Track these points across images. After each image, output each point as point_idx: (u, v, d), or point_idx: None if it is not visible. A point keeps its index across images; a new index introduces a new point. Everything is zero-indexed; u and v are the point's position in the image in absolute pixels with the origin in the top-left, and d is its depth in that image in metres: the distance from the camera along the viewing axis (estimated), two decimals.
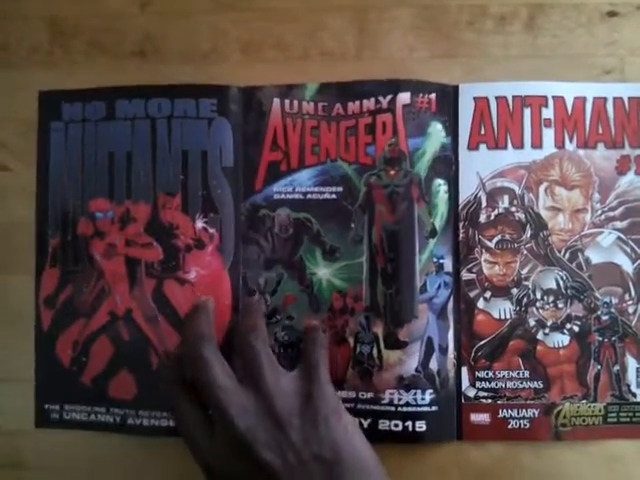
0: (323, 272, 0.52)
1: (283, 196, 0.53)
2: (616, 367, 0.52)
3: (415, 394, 0.50)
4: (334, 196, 0.52)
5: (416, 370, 0.51)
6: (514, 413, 0.51)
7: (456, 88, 0.53)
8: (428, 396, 0.51)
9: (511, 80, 0.53)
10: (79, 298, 0.53)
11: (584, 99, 0.53)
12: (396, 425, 0.51)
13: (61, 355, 0.53)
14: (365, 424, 0.51)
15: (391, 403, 0.50)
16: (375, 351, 0.51)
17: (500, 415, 0.51)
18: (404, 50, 0.55)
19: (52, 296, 0.53)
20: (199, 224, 0.52)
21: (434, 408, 0.51)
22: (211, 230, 0.52)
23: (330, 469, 0.41)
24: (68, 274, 0.53)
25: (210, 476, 0.44)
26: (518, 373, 0.52)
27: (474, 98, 0.53)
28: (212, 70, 0.55)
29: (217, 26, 0.55)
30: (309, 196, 0.52)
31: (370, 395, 0.51)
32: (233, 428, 0.42)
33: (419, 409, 0.50)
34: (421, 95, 0.52)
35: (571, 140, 0.53)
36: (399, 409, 0.50)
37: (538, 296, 0.52)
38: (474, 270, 0.52)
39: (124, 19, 0.56)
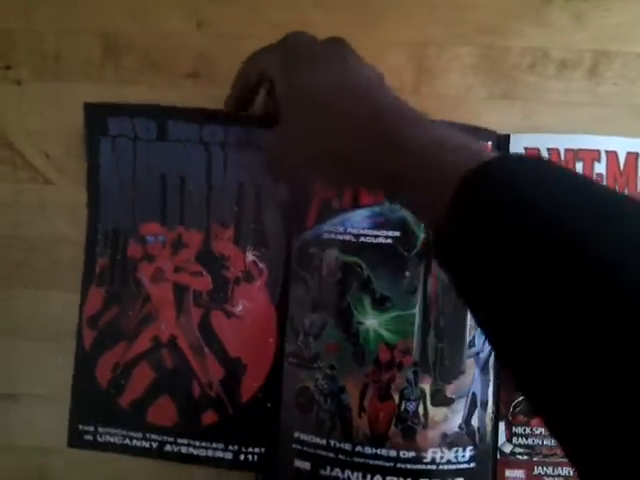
0: (371, 322, 0.50)
1: (333, 236, 0.50)
2: None
3: (457, 451, 0.50)
4: (389, 241, 0.50)
5: (459, 427, 0.50)
6: (549, 471, 0.51)
7: (507, 137, 0.52)
8: (468, 453, 0.50)
9: (567, 129, 0.52)
10: (123, 320, 0.53)
11: (637, 155, 0.52)
12: None
13: (100, 376, 0.53)
14: None
15: (433, 462, 0.49)
16: (421, 408, 0.50)
17: (535, 472, 0.51)
18: (462, 89, 0.54)
19: (96, 316, 0.53)
20: (249, 257, 0.52)
21: (472, 465, 0.50)
22: (261, 265, 0.52)
23: None
24: (114, 295, 0.53)
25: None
26: None
27: (525, 148, 0.52)
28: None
29: None
30: (362, 239, 0.50)
31: (412, 454, 0.49)
32: None
33: (459, 466, 0.50)
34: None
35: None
36: (440, 467, 0.49)
37: None
38: None
39: (179, 38, 0.55)
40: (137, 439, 0.53)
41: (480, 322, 0.31)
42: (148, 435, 0.52)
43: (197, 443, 0.52)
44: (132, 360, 0.53)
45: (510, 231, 0.27)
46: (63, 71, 0.56)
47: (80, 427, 0.53)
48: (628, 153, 0.51)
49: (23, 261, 0.55)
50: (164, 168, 0.53)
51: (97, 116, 0.54)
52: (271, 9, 0.55)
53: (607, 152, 0.51)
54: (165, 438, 0.52)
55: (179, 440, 0.52)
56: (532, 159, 0.30)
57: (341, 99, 0.38)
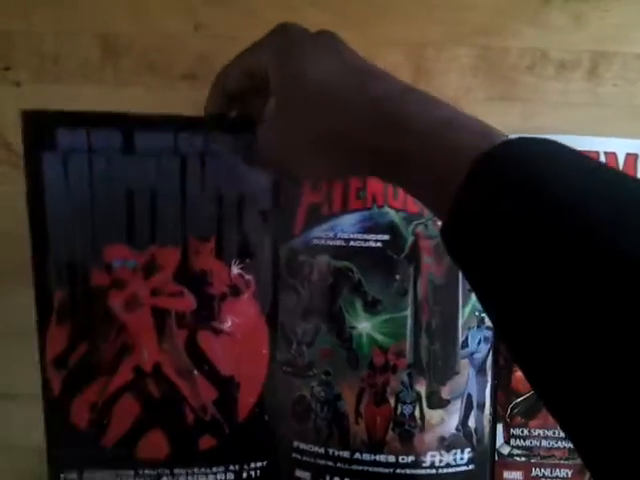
0: (363, 325, 0.50)
1: (323, 242, 0.51)
2: None
3: (455, 454, 0.50)
4: (379, 244, 0.50)
5: (456, 429, 0.50)
6: (547, 472, 0.51)
7: None
8: (467, 455, 0.50)
9: (566, 130, 0.52)
10: (96, 356, 0.49)
11: (636, 156, 0.51)
12: None
13: (77, 420, 0.50)
14: None
15: (432, 466, 0.50)
16: (417, 411, 0.50)
17: (533, 473, 0.51)
18: (460, 90, 0.54)
19: (62, 356, 0.49)
20: (235, 270, 0.50)
21: (471, 467, 0.50)
22: (247, 276, 0.50)
23: None
24: (81, 330, 0.49)
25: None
26: (554, 432, 0.51)
27: None
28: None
29: None
30: (352, 243, 0.50)
31: (411, 459, 0.50)
32: None
33: (458, 469, 0.50)
34: None
35: None
36: (439, 471, 0.50)
37: None
38: None
39: (177, 40, 0.55)
40: (128, 477, 0.50)
41: (494, 314, 0.30)
42: (140, 471, 0.50)
43: (196, 470, 0.50)
44: (112, 395, 0.50)
45: (527, 217, 0.26)
46: (62, 73, 0.56)
47: (62, 476, 0.50)
48: (627, 154, 0.51)
49: (27, 260, 0.54)
50: (131, 183, 0.49)
51: (41, 127, 0.49)
52: (267, 10, 0.55)
53: (606, 153, 0.51)
54: (160, 471, 0.50)
55: (176, 470, 0.50)
56: (547, 141, 0.29)
57: (339, 84, 0.37)
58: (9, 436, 0.54)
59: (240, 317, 0.50)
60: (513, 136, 0.29)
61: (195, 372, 0.49)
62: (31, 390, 0.52)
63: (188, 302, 0.49)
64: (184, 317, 0.49)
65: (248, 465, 0.51)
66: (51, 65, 0.56)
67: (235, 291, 0.50)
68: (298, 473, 0.51)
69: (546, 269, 0.25)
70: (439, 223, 0.49)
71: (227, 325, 0.49)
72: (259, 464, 0.51)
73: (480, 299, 0.30)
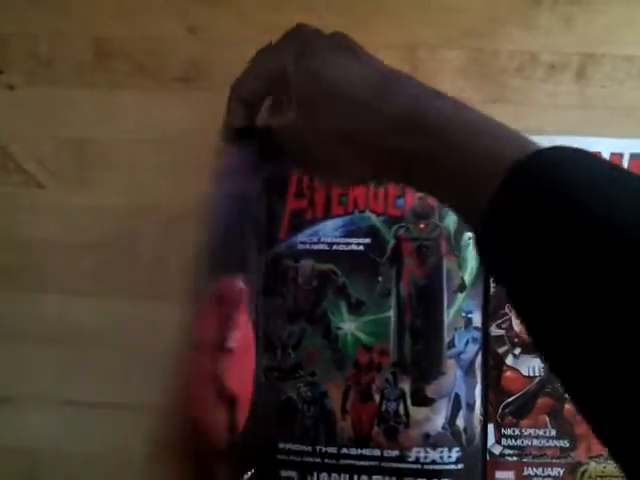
0: (348, 326, 0.51)
1: (308, 246, 0.52)
2: None
3: (442, 452, 0.50)
4: (361, 247, 0.51)
5: (443, 427, 0.50)
6: (539, 471, 0.51)
7: None
8: (455, 454, 0.50)
9: (555, 131, 0.53)
10: None
11: (621, 156, 0.52)
12: None
13: None
14: None
15: (417, 461, 0.50)
16: (402, 408, 0.51)
17: (525, 473, 0.51)
18: (452, 92, 0.53)
19: None
20: (240, 285, 0.48)
21: (460, 466, 0.50)
22: (243, 288, 0.48)
23: None
24: None
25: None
26: (545, 431, 0.51)
27: None
28: None
29: None
30: (334, 247, 0.51)
31: (395, 453, 0.50)
32: None
33: (445, 467, 0.50)
34: None
35: None
36: (425, 467, 0.50)
37: None
38: (504, 326, 0.52)
39: (170, 43, 0.55)
40: None
41: (533, 324, 0.29)
42: None
43: None
44: None
45: (563, 228, 0.26)
46: (55, 76, 0.56)
47: None
48: (612, 154, 0.52)
49: (15, 264, 0.55)
50: None
51: None
52: (260, 13, 0.55)
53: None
54: None
55: None
56: (579, 151, 0.29)
57: (361, 83, 0.36)
58: None
59: (240, 330, 0.48)
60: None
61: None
62: None
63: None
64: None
65: (242, 477, 0.50)
66: (44, 69, 0.56)
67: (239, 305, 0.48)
68: (284, 473, 0.51)
69: (584, 280, 0.25)
70: (421, 226, 0.51)
71: (233, 342, 0.47)
72: (249, 473, 0.51)
73: (516, 308, 0.29)
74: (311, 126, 0.38)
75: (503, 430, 0.51)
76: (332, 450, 0.50)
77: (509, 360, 0.51)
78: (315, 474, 0.50)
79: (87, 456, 0.54)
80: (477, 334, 0.51)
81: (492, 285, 0.52)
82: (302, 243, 0.52)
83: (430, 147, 0.32)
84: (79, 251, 0.55)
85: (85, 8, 0.56)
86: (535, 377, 0.51)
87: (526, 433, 0.51)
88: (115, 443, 0.54)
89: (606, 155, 0.51)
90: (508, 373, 0.51)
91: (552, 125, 0.53)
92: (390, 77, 0.36)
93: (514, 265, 0.28)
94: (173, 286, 0.53)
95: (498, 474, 0.51)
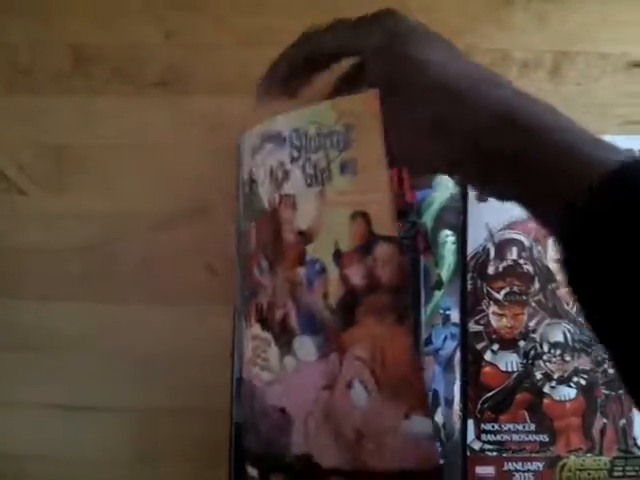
0: None
1: None
2: (622, 421, 0.52)
3: None
4: None
5: None
6: (519, 466, 0.51)
7: None
8: None
9: None
10: None
11: None
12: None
13: None
14: None
15: None
16: None
17: (505, 468, 0.51)
18: None
19: None
20: None
21: (440, 462, 0.50)
22: None
23: None
24: None
25: None
26: (524, 426, 0.52)
27: None
28: (234, 103, 0.55)
29: (241, 60, 0.55)
30: None
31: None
32: None
33: None
34: None
35: None
36: None
37: (545, 349, 0.52)
38: (481, 322, 0.52)
39: (148, 48, 0.56)
40: None
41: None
42: None
43: None
44: None
45: None
46: (35, 84, 0.57)
47: None
48: None
49: None
50: None
51: None
52: (237, 17, 0.56)
53: None
54: None
55: None
56: None
57: (459, 75, 0.35)
58: None
59: None
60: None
61: None
62: None
63: None
64: None
65: None
66: (24, 77, 0.57)
67: None
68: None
69: None
70: (398, 223, 0.51)
71: None
72: None
73: (601, 334, 0.28)
74: (398, 110, 0.36)
75: (482, 425, 0.52)
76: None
77: (487, 356, 0.52)
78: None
79: (70, 460, 0.55)
80: (455, 330, 0.51)
81: (469, 282, 0.52)
82: None
83: (519, 145, 0.32)
84: (61, 256, 0.55)
85: (63, 16, 0.57)
86: (513, 372, 0.52)
87: (505, 428, 0.52)
88: (98, 446, 0.55)
89: None
90: (487, 369, 0.52)
91: None
92: (485, 74, 0.35)
93: (607, 287, 0.27)
94: (155, 290, 0.55)
95: (478, 469, 0.52)
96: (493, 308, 0.52)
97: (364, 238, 0.39)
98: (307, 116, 0.40)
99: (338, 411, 0.41)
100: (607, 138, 0.51)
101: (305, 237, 0.41)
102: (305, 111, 0.40)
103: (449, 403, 0.51)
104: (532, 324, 0.52)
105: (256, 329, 0.46)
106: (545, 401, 0.52)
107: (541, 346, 0.52)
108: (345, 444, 0.42)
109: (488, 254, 0.52)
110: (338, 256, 0.40)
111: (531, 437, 0.52)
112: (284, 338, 0.43)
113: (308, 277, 0.41)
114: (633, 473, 0.52)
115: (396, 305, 0.39)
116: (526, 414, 0.52)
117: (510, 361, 0.52)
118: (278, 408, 0.44)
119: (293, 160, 0.42)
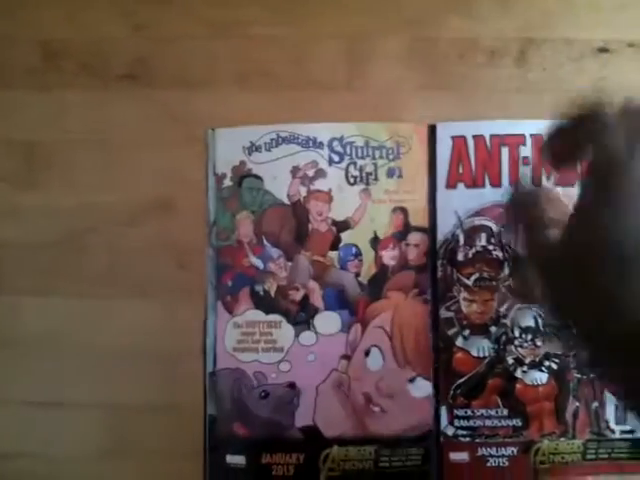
0: None
1: None
2: (595, 404, 0.52)
3: None
4: None
5: None
6: (493, 451, 0.52)
7: (434, 127, 0.53)
8: None
9: (499, 116, 0.53)
10: None
11: None
12: None
13: None
14: None
15: None
16: None
17: (479, 453, 0.52)
18: (394, 81, 0.55)
19: None
20: None
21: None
22: None
23: None
24: None
25: None
26: (497, 411, 0.52)
27: (452, 137, 0.52)
28: (203, 97, 0.55)
29: (210, 52, 0.55)
30: None
31: None
32: None
33: None
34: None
35: (549, 178, 0.52)
36: None
37: (516, 334, 0.52)
38: (452, 308, 0.52)
39: (115, 42, 0.56)
40: None
41: None
42: None
43: None
44: None
45: None
46: (4, 80, 0.56)
47: None
48: None
49: None
50: None
51: None
52: (206, 9, 0.55)
53: (532, 135, 0.52)
54: None
55: None
56: None
57: None
58: None
59: None
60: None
61: None
62: None
63: None
64: None
65: None
66: None
67: None
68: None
69: None
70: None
71: None
72: None
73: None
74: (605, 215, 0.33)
75: (455, 411, 0.52)
76: None
77: (459, 342, 0.52)
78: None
79: (38, 456, 0.54)
80: None
81: (440, 269, 0.52)
82: None
83: None
84: (32, 251, 0.55)
85: (31, 11, 0.56)
86: (485, 358, 0.52)
87: (478, 414, 0.52)
88: (67, 442, 0.54)
89: None
90: (459, 354, 0.52)
91: (495, 110, 0.54)
92: None
93: None
94: (124, 284, 0.55)
95: (452, 455, 0.52)
96: (463, 294, 0.52)
97: (400, 227, 0.52)
98: (353, 130, 0.52)
99: (352, 377, 0.51)
100: None
101: (340, 226, 0.52)
102: (350, 126, 0.52)
103: None
104: (503, 309, 0.52)
105: (250, 315, 0.52)
106: (517, 386, 0.52)
107: (512, 331, 0.52)
108: (351, 411, 0.51)
109: (457, 241, 0.52)
110: (375, 241, 0.52)
111: (504, 422, 0.52)
112: (303, 316, 0.52)
113: (342, 259, 0.52)
114: (606, 456, 0.52)
115: (419, 280, 0.51)
116: (498, 399, 0.52)
117: (481, 347, 0.52)
118: (286, 384, 0.51)
119: (332, 162, 0.52)
